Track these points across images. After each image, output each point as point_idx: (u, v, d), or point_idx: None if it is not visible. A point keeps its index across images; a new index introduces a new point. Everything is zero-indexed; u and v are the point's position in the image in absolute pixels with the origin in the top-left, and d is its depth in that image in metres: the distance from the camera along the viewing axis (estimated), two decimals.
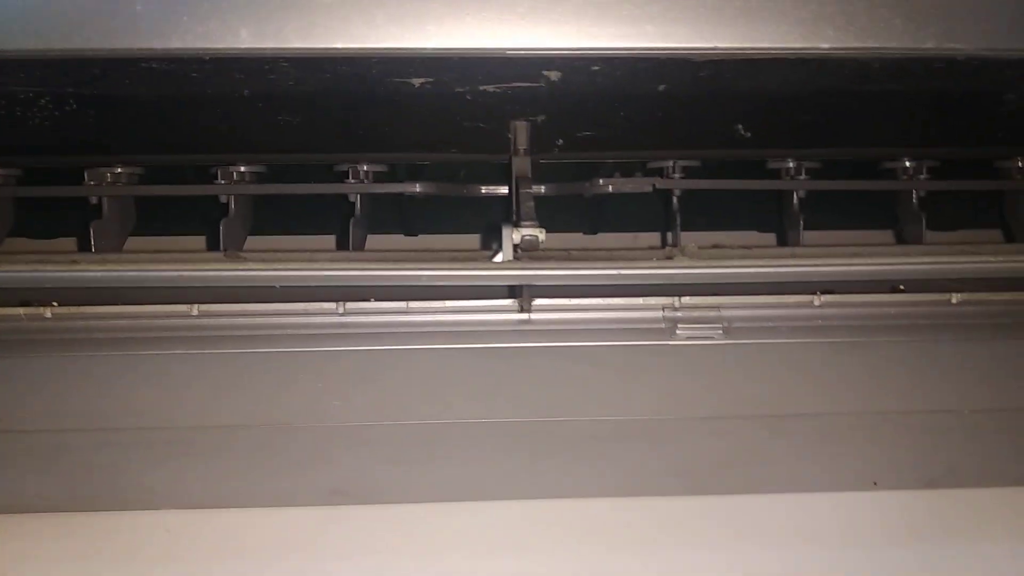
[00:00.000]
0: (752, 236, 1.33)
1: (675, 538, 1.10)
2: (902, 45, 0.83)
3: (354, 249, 1.12)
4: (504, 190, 1.16)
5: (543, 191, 1.14)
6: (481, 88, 0.97)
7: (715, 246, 1.02)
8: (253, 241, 1.22)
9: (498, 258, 0.91)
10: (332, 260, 0.94)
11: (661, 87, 0.97)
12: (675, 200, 1.17)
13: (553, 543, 1.08)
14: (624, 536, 1.09)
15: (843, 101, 1.01)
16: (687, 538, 1.11)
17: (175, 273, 0.87)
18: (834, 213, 1.28)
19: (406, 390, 1.02)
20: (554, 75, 0.91)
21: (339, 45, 0.81)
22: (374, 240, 1.30)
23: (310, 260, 0.93)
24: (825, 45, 0.83)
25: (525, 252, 0.91)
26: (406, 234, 1.41)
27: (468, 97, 0.98)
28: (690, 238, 1.16)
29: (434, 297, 1.02)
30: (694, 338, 1.00)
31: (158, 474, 1.06)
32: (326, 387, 1.02)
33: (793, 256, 0.96)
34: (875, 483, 1.14)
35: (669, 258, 0.95)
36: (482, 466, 1.06)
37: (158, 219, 1.25)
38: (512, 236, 0.91)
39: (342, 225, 1.14)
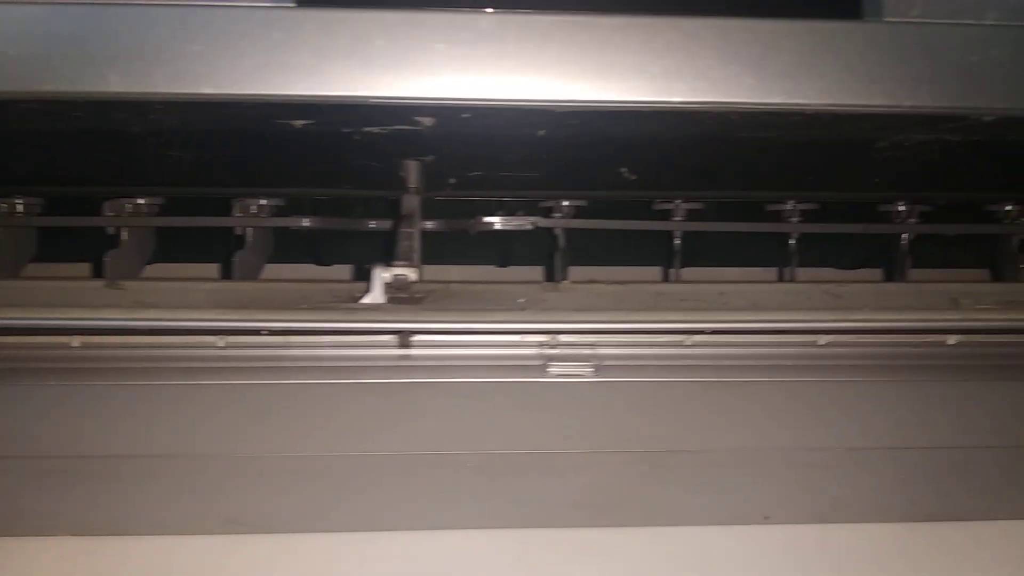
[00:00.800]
0: (639, 271, 1.37)
1: (556, 570, 1.13)
2: (752, 100, 0.87)
3: (243, 279, 1.14)
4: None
5: (428, 227, 1.16)
6: (365, 129, 0.99)
7: (591, 281, 1.05)
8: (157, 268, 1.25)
9: (367, 299, 0.93)
10: (173, 308, 0.94)
11: (540, 132, 1.01)
12: (561, 237, 1.20)
13: (431, 572, 1.10)
14: (502, 566, 1.11)
15: (717, 146, 1.05)
16: (570, 569, 1.13)
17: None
18: (720, 251, 1.32)
19: (287, 424, 1.03)
20: (427, 120, 0.93)
21: (207, 91, 0.83)
22: (284, 269, 1.33)
23: (176, 294, 0.94)
24: (676, 99, 0.86)
25: (396, 291, 0.94)
26: (317, 263, 1.43)
27: (356, 138, 1.01)
28: (577, 272, 1.22)
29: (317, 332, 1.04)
30: (565, 375, 1.02)
31: (52, 501, 1.07)
32: (208, 420, 1.03)
33: (658, 295, 0.99)
34: (766, 517, 1.18)
35: (544, 294, 0.98)
36: (362, 498, 1.08)
37: (61, 248, 1.26)
38: (383, 275, 0.93)
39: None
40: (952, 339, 1.04)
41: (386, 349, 1.06)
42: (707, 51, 0.86)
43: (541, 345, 1.07)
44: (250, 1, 0.84)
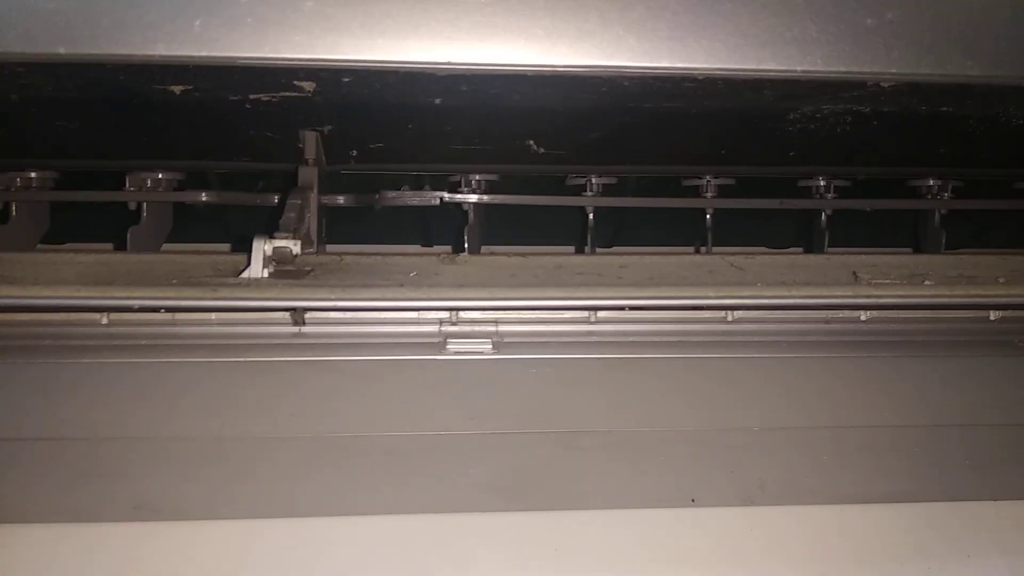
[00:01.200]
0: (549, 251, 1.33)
1: (484, 556, 1.10)
2: (637, 64, 0.84)
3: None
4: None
5: (333, 202, 1.12)
6: (253, 96, 0.96)
7: (490, 253, 1.02)
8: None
9: (247, 272, 0.89)
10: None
11: (436, 100, 0.97)
12: (470, 214, 1.17)
13: (354, 563, 1.07)
14: (404, 554, 1.08)
15: (624, 117, 1.02)
16: (498, 556, 1.10)
17: None
18: (641, 228, 1.29)
19: (175, 404, 0.99)
20: (308, 84, 0.90)
21: (62, 50, 0.79)
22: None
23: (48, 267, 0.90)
24: (559, 62, 0.83)
25: (278, 264, 0.90)
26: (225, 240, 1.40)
27: (247, 106, 0.97)
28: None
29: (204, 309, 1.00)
30: (463, 353, 0.99)
31: None
32: (92, 399, 0.99)
33: (558, 267, 0.95)
34: (693, 500, 1.15)
35: (440, 267, 0.95)
36: (266, 482, 1.04)
37: None
38: (264, 248, 0.89)
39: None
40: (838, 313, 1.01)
41: (279, 326, 1.02)
42: (590, 12, 0.82)
43: (441, 322, 1.03)
44: None
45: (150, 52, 0.81)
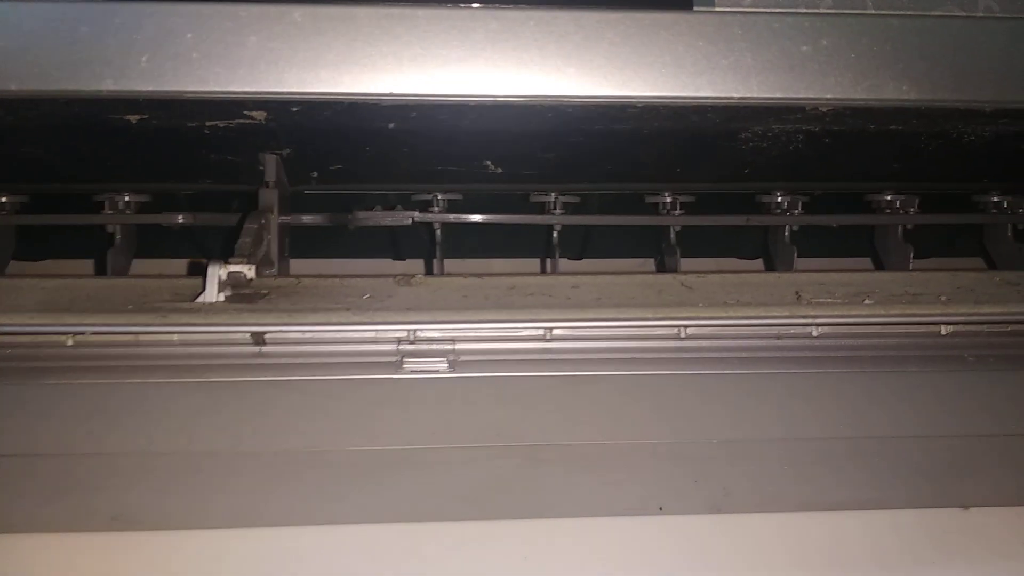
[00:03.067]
0: (518, 263, 1.36)
1: (452, 563, 1.12)
2: (576, 93, 0.86)
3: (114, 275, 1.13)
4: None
5: (308, 221, 1.15)
6: (210, 123, 0.98)
7: (447, 274, 1.04)
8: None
9: (202, 297, 0.91)
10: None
11: (390, 125, 0.99)
12: (438, 232, 1.19)
13: (295, 567, 1.09)
14: (374, 559, 1.10)
15: (573, 139, 1.04)
16: (466, 563, 1.12)
17: None
18: (611, 239, 1.31)
19: (141, 423, 1.02)
20: (259, 114, 0.92)
21: (13, 87, 0.82)
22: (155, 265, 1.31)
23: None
24: (498, 92, 0.85)
25: (233, 289, 0.92)
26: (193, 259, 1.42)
27: (205, 131, 1.00)
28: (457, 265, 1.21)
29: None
30: (419, 372, 1.01)
31: None
32: (61, 418, 1.01)
33: (511, 288, 0.97)
34: (660, 508, 1.17)
35: (396, 288, 0.97)
36: (222, 494, 1.07)
37: None
38: (219, 272, 0.91)
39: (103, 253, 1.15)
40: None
41: (241, 347, 1.04)
42: (529, 43, 0.84)
43: (399, 340, 1.05)
44: None
45: (98, 87, 0.83)
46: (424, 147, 1.08)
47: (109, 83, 0.82)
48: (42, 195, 1.21)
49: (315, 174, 1.14)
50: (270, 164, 1.09)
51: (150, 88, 0.83)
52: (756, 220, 1.25)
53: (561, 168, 1.16)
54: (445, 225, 1.21)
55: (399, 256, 1.49)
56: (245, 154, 1.09)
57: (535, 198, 1.24)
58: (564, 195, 1.21)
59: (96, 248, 1.21)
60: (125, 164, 1.12)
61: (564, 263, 1.33)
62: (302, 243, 1.21)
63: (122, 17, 0.82)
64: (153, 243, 1.27)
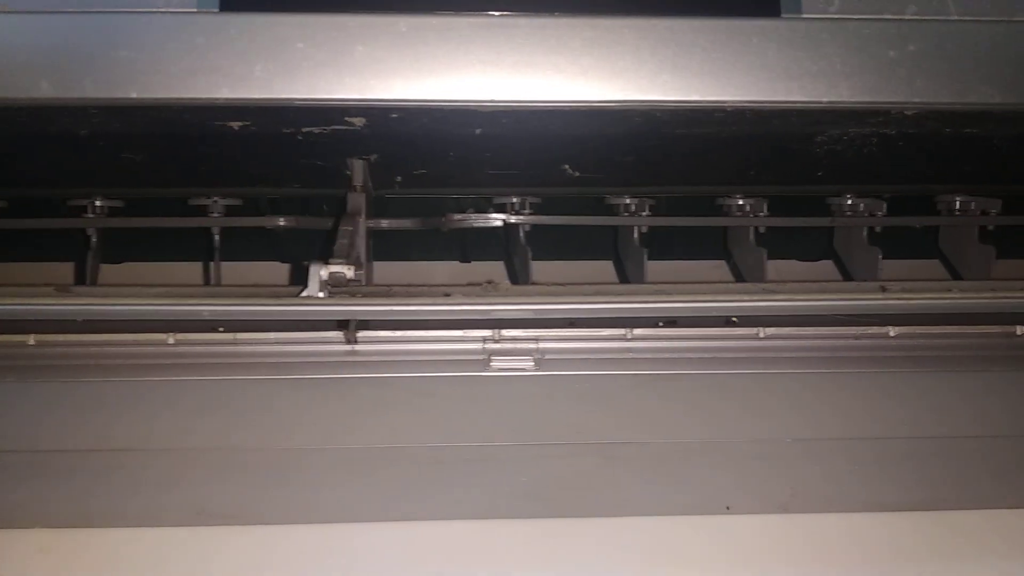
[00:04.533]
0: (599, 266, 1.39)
1: (522, 560, 1.15)
2: (670, 98, 0.89)
3: (213, 279, 1.18)
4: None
5: (402, 225, 1.19)
6: (306, 129, 1.02)
7: (533, 283, 1.07)
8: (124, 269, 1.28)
9: (305, 293, 0.95)
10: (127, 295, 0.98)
11: (477, 131, 1.03)
12: (522, 234, 1.22)
13: (390, 564, 1.12)
14: (454, 556, 1.13)
15: (652, 143, 1.07)
16: (535, 561, 1.15)
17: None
18: (677, 247, 1.33)
19: (237, 419, 1.06)
20: (359, 120, 0.96)
21: (134, 95, 0.86)
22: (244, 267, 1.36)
23: (126, 295, 0.97)
24: (594, 98, 0.88)
25: (334, 288, 0.96)
26: (280, 261, 1.46)
27: (299, 137, 1.03)
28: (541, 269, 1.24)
29: (263, 329, 1.06)
30: (507, 369, 1.04)
31: (20, 495, 1.10)
32: (161, 415, 1.06)
33: (597, 293, 1.00)
34: (727, 507, 1.19)
35: (482, 296, 1.00)
36: (317, 490, 1.10)
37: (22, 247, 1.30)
38: (320, 272, 0.95)
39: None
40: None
41: (332, 345, 1.08)
42: (625, 50, 0.87)
43: (483, 340, 1.09)
44: (175, 8, 0.86)
45: (215, 95, 0.87)
46: (506, 151, 1.11)
47: (225, 91, 0.86)
48: (133, 199, 1.25)
49: (399, 178, 1.17)
50: (358, 169, 1.13)
51: (263, 96, 0.87)
52: (841, 222, 1.27)
53: (636, 171, 1.19)
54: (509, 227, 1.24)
55: (465, 259, 1.53)
56: (333, 159, 1.12)
57: (610, 200, 1.27)
58: (638, 198, 1.23)
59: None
60: (217, 170, 1.17)
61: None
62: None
63: (237, 28, 0.86)
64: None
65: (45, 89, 0.86)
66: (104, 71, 0.86)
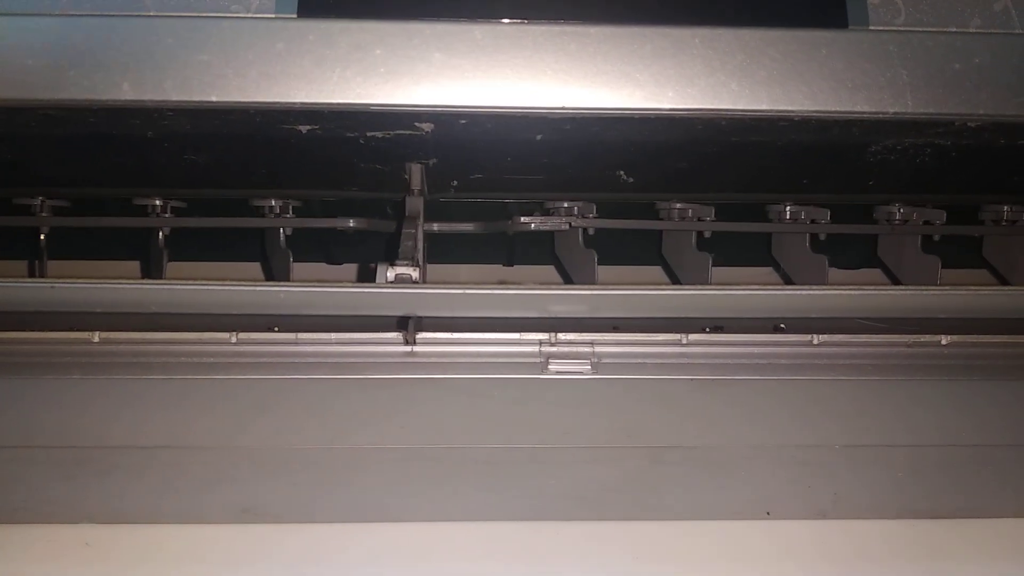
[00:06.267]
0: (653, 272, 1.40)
1: (567, 562, 1.16)
2: (738, 107, 0.90)
3: (278, 278, 1.20)
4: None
5: (445, 229, 1.21)
6: (369, 134, 1.03)
7: (589, 285, 1.08)
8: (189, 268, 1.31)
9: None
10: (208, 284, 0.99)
11: (537, 137, 1.04)
12: (580, 236, 1.24)
13: (448, 565, 1.14)
14: (506, 556, 1.15)
15: (709, 151, 1.08)
16: (580, 562, 1.16)
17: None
18: (730, 253, 1.35)
19: (297, 418, 1.07)
20: (427, 126, 0.97)
21: (214, 99, 0.87)
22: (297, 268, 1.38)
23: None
24: (665, 106, 0.90)
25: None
26: (328, 263, 1.48)
27: (361, 141, 1.05)
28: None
29: (325, 329, 1.08)
30: (564, 372, 1.06)
31: (76, 490, 1.12)
32: (222, 413, 1.07)
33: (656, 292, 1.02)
34: (768, 513, 1.20)
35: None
36: (372, 489, 1.12)
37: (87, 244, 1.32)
38: (387, 273, 0.97)
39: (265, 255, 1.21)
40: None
41: (392, 346, 1.09)
42: (694, 59, 0.89)
43: (540, 343, 1.10)
44: (255, 12, 0.88)
45: (292, 99, 0.89)
46: (563, 157, 1.12)
47: (302, 96, 0.88)
48: (190, 200, 1.27)
49: (455, 183, 1.19)
50: (415, 173, 1.15)
51: (340, 101, 0.88)
52: (900, 230, 1.28)
53: (687, 178, 1.20)
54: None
55: (509, 262, 1.54)
56: (392, 163, 1.14)
57: (660, 206, 1.28)
58: (697, 204, 1.25)
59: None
60: (279, 173, 1.18)
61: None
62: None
63: (316, 34, 0.88)
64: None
65: (126, 91, 0.88)
66: (185, 74, 0.87)
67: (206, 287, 0.91)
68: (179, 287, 0.92)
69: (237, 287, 0.91)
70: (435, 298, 0.97)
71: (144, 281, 0.98)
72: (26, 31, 0.88)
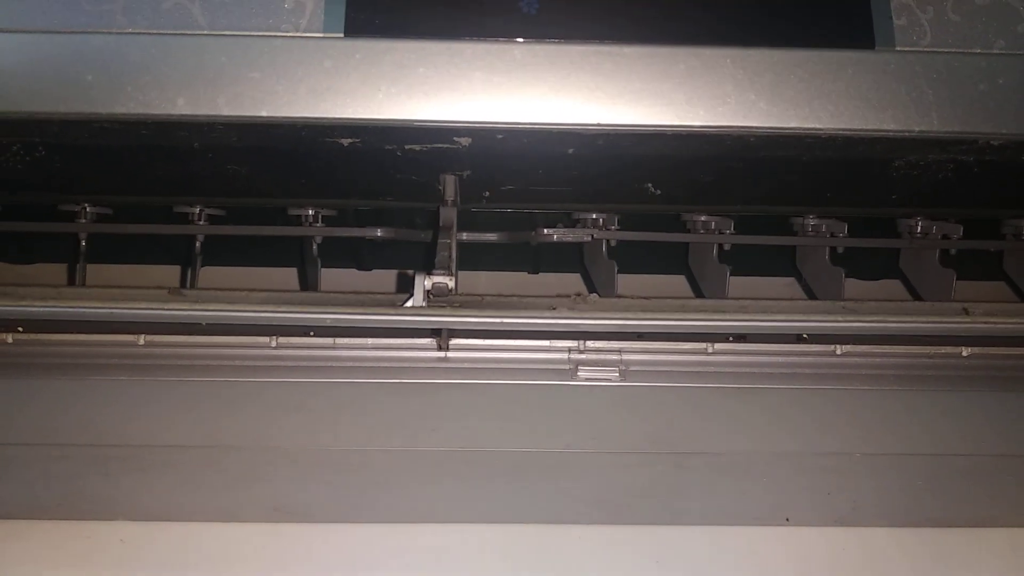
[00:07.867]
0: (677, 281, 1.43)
1: (591, 565, 1.19)
2: (768, 124, 0.93)
3: (311, 285, 1.23)
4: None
5: (472, 238, 1.24)
6: (408, 147, 1.07)
7: (618, 296, 1.11)
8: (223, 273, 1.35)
9: (409, 303, 1.00)
10: (250, 302, 1.03)
11: (569, 151, 1.07)
12: (604, 248, 1.27)
13: (474, 566, 1.17)
14: (532, 559, 1.18)
15: (735, 165, 1.11)
16: (603, 566, 1.19)
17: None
18: (752, 264, 1.38)
19: (333, 420, 1.11)
20: (464, 140, 1.01)
21: (264, 113, 0.91)
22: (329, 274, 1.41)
23: (234, 301, 1.02)
24: (696, 123, 0.93)
25: (435, 297, 1.01)
26: (359, 268, 1.52)
27: (398, 154, 1.09)
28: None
29: (361, 335, 1.11)
30: (593, 380, 1.09)
31: (114, 488, 1.16)
32: (260, 414, 1.11)
33: (683, 309, 1.05)
34: (787, 519, 1.23)
35: (571, 308, 1.05)
36: (403, 490, 1.15)
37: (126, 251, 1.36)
38: (424, 283, 1.00)
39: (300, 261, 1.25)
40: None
41: (426, 352, 1.13)
42: (725, 78, 0.92)
43: (569, 351, 1.13)
44: (303, 31, 0.91)
45: (340, 115, 0.92)
46: (593, 170, 1.15)
47: (349, 111, 0.92)
48: (229, 207, 1.31)
49: (487, 194, 1.22)
50: (449, 184, 1.18)
51: (385, 117, 0.92)
52: (920, 244, 1.30)
53: (714, 191, 1.23)
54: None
55: (535, 270, 1.57)
56: (426, 174, 1.17)
57: (685, 217, 1.31)
58: (721, 216, 1.28)
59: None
60: (313, 181, 1.22)
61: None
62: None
63: (362, 53, 0.91)
64: None
65: (181, 105, 0.91)
66: (236, 90, 0.91)
67: (248, 312, 0.95)
68: (220, 312, 0.96)
69: (277, 312, 0.94)
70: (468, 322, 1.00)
71: (182, 305, 1.01)
72: (85, 48, 0.92)
